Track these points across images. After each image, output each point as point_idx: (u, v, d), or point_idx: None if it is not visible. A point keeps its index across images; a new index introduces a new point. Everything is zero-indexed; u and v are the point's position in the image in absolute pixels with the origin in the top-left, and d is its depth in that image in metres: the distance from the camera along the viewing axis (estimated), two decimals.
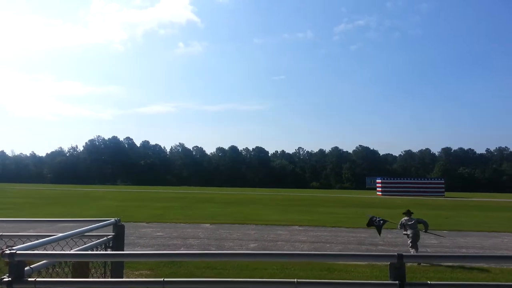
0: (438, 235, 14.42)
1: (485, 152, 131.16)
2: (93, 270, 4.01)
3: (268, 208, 30.75)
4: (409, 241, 12.03)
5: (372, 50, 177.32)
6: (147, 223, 19.07)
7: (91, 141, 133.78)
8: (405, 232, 12.24)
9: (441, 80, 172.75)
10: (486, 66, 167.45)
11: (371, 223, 11.85)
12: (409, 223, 12.12)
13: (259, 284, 3.05)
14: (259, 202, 38.27)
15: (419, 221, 12.37)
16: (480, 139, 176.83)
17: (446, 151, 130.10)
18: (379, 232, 11.85)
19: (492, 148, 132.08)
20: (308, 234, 16.27)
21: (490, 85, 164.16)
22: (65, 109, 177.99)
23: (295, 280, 2.69)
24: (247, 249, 12.72)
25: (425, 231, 12.44)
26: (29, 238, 3.94)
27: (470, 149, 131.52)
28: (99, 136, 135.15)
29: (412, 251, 11.58)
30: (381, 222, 11.59)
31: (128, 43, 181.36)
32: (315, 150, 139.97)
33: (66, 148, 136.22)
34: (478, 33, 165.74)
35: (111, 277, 4.04)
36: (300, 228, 18.36)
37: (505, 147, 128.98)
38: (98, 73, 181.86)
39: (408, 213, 12.52)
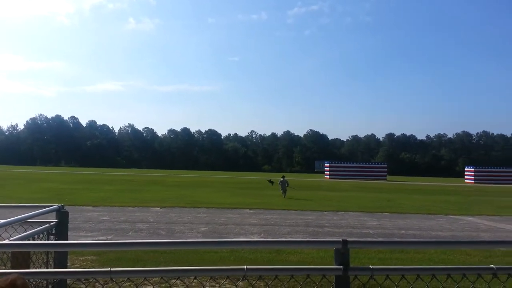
0: (293, 188, 28.30)
1: (425, 139, 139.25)
2: (35, 257, 3.85)
3: (220, 191, 30.87)
4: (280, 190, 26.71)
5: (324, 36, 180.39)
6: (93, 206, 18.47)
7: (33, 119, 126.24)
8: (279, 185, 27.49)
9: (386, 68, 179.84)
10: (427, 56, 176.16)
11: (269, 182, 34.99)
12: (282, 181, 26.91)
13: (210, 272, 3.11)
14: (211, 185, 38.26)
15: (287, 182, 26.70)
16: (421, 126, 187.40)
17: (390, 136, 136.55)
18: (272, 183, 34.16)
19: (432, 135, 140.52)
20: (258, 217, 16.57)
21: (433, 73, 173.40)
22: (4, 85, 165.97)
23: (245, 267, 2.77)
24: (198, 233, 12.76)
25: (288, 185, 26.62)
26: None
27: (412, 135, 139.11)
28: (41, 114, 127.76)
29: (282, 194, 26.28)
30: (272, 182, 34.01)
31: (74, 16, 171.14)
32: (268, 133, 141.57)
33: (5, 127, 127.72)
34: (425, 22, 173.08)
35: (54, 266, 3.91)
36: (251, 211, 18.64)
37: (444, 133, 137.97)
38: (42, 47, 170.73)
39: (283, 177, 27.59)
